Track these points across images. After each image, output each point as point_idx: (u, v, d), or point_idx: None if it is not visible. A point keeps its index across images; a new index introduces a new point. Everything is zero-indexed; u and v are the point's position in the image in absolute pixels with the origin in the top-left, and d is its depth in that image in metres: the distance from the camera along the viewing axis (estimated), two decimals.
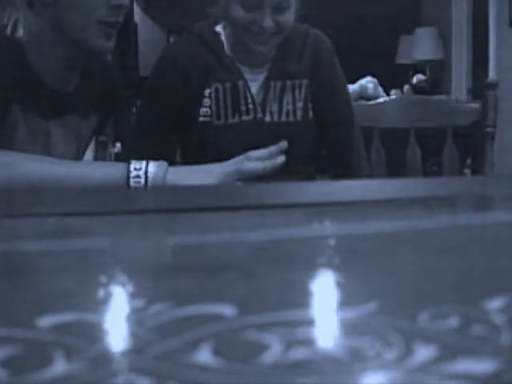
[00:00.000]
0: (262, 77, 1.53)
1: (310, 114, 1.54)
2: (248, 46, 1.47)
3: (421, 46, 5.39)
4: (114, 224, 0.75)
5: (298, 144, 1.53)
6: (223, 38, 1.53)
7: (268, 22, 1.43)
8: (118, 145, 5.73)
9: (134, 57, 7.11)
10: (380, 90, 4.38)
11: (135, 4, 7.27)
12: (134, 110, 7.16)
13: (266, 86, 1.52)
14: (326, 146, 1.63)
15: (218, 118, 1.48)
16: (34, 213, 0.77)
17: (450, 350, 0.35)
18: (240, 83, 1.49)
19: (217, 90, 1.47)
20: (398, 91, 4.95)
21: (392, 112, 1.78)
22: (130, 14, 6.90)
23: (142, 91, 1.62)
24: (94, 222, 0.77)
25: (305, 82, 1.52)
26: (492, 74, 4.27)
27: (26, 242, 0.65)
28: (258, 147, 1.47)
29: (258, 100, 1.50)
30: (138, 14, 7.49)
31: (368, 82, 4.27)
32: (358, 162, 1.63)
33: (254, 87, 1.52)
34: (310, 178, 1.61)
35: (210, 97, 1.48)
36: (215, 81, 1.48)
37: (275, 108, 1.51)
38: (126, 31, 6.58)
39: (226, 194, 0.94)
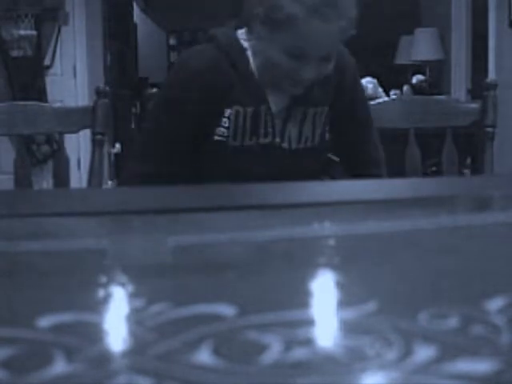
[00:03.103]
0: (285, 100, 1.47)
1: (327, 136, 1.51)
2: (282, 88, 1.42)
3: (420, 46, 5.38)
4: (113, 224, 0.75)
5: (312, 165, 1.50)
6: (249, 53, 1.46)
7: (311, 74, 1.37)
8: (118, 145, 5.72)
9: (133, 57, 7.11)
10: (380, 90, 4.38)
11: (135, 4, 7.27)
12: (133, 110, 7.09)
13: (287, 111, 1.46)
14: (347, 163, 1.60)
15: (235, 139, 1.42)
16: (34, 213, 0.77)
17: (449, 350, 0.35)
18: (262, 108, 1.43)
19: (237, 113, 1.41)
20: (398, 91, 4.95)
21: (392, 112, 1.78)
22: (129, 14, 6.90)
23: (155, 103, 1.53)
24: (93, 222, 0.77)
25: (326, 109, 1.48)
26: (491, 75, 4.27)
27: (25, 242, 0.65)
28: (272, 170, 1.45)
29: (278, 124, 1.45)
30: (137, 15, 7.49)
31: (368, 83, 4.27)
32: (379, 175, 1.60)
33: (276, 109, 1.46)
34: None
35: (229, 117, 1.42)
36: (237, 103, 1.41)
37: (294, 134, 1.46)
38: (126, 31, 6.58)
39: (225, 194, 0.94)
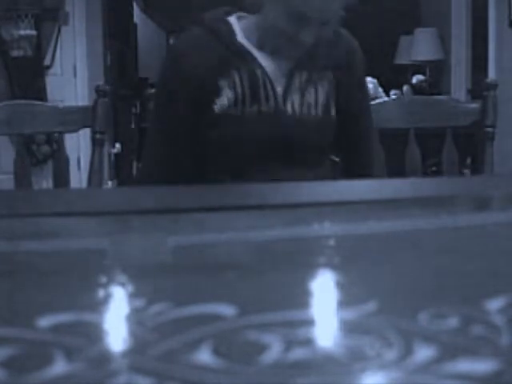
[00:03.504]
0: (286, 66, 1.48)
1: (333, 112, 1.50)
2: (283, 52, 1.44)
3: (420, 46, 5.38)
4: (113, 224, 0.75)
5: (317, 140, 1.48)
6: (235, 27, 1.48)
7: (311, 38, 1.40)
8: (118, 145, 5.72)
9: (133, 57, 7.11)
10: (380, 90, 4.39)
11: (135, 5, 7.27)
12: (133, 110, 7.07)
13: (289, 76, 1.47)
14: (345, 149, 1.59)
15: (235, 106, 1.43)
16: (34, 213, 0.77)
17: (450, 350, 0.35)
18: (258, 71, 1.44)
19: (233, 80, 1.43)
20: (398, 91, 4.95)
21: (392, 112, 1.78)
22: (129, 14, 6.90)
23: (155, 91, 1.58)
24: (93, 222, 0.77)
25: (330, 75, 1.48)
26: (491, 75, 4.26)
27: (25, 242, 0.65)
28: (276, 142, 1.45)
29: (279, 90, 1.46)
30: (137, 15, 7.49)
31: (368, 83, 4.26)
32: (375, 171, 1.61)
33: (276, 76, 1.47)
34: (327, 172, 1.57)
35: (226, 86, 1.44)
36: (231, 70, 1.44)
37: (297, 100, 1.46)
38: (126, 31, 6.58)
39: (226, 194, 0.94)
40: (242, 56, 1.45)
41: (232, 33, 1.46)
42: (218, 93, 1.43)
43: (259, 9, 1.43)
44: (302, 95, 1.47)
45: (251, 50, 1.46)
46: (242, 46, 1.45)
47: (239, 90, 1.43)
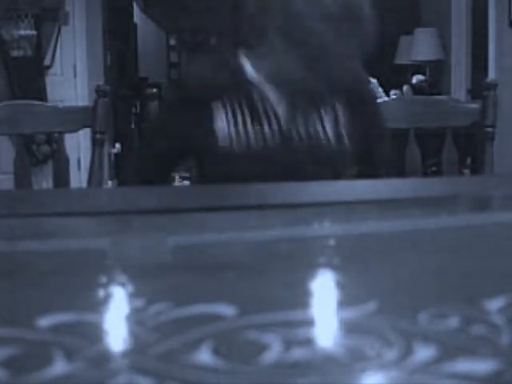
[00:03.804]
0: (287, 92, 1.47)
1: (345, 140, 1.48)
2: (282, 83, 1.47)
3: (420, 46, 5.38)
4: (113, 224, 0.75)
5: (328, 170, 1.46)
6: (242, 58, 1.48)
7: (319, 81, 1.43)
8: (118, 145, 5.71)
9: (133, 57, 7.11)
10: (380, 90, 4.38)
11: (135, 5, 7.27)
12: (133, 110, 7.08)
13: (291, 101, 1.46)
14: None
15: (236, 126, 1.42)
16: (34, 213, 0.77)
17: (449, 350, 0.35)
18: (255, 92, 1.43)
19: (230, 100, 1.42)
20: (398, 91, 4.94)
21: (392, 112, 1.78)
22: (129, 14, 6.90)
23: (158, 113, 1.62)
24: (93, 222, 0.77)
25: (336, 104, 1.47)
26: (491, 75, 4.26)
27: (25, 242, 0.65)
28: (284, 167, 1.43)
29: (281, 113, 1.44)
30: (137, 15, 7.49)
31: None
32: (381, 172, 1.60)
33: (277, 100, 1.46)
34: None
35: (225, 109, 1.43)
36: (230, 93, 1.43)
37: (301, 124, 1.45)
38: (126, 31, 6.57)
39: (226, 194, 0.94)
40: (241, 80, 1.44)
41: (237, 61, 1.46)
42: (217, 115, 1.43)
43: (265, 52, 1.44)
44: (306, 120, 1.46)
45: (253, 78, 1.45)
46: (244, 73, 1.44)
47: (238, 113, 1.42)
